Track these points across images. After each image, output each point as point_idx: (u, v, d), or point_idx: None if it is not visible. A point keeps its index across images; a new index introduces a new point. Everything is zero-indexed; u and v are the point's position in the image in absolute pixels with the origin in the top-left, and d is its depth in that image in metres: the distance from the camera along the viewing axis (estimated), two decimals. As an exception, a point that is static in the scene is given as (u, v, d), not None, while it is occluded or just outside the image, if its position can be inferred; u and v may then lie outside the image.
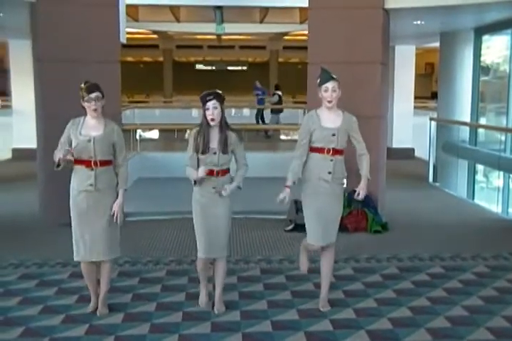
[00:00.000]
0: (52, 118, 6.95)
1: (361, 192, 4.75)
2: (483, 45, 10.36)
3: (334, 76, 4.57)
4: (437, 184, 10.78)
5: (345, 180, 4.79)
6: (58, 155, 4.26)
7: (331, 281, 4.89)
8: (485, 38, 10.30)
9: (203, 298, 4.77)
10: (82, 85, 4.43)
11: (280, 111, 17.64)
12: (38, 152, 7.79)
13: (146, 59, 24.07)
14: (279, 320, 4.54)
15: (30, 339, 4.20)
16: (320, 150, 4.56)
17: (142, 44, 20.36)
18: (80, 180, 4.44)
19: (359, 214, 7.19)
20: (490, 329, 4.37)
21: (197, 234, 4.62)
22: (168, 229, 7.19)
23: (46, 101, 7.33)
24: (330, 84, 4.52)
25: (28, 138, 10.00)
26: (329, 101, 4.54)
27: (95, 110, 4.41)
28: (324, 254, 4.78)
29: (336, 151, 4.57)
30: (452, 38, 10.99)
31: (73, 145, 4.40)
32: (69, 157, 4.29)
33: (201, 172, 4.39)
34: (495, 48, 10.45)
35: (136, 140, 13.14)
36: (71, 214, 4.50)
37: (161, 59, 23.51)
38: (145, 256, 6.16)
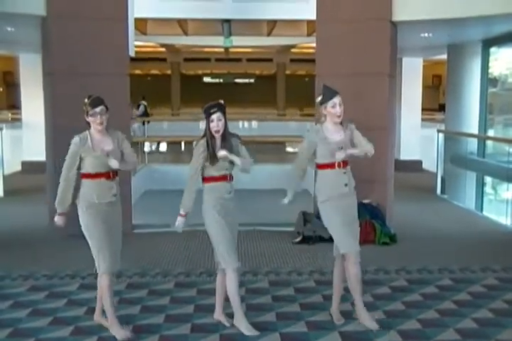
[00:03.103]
0: (62, 131, 7.01)
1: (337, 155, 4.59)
2: (491, 57, 10.39)
3: (337, 91, 4.58)
4: (445, 196, 10.76)
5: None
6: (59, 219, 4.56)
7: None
8: (492, 50, 10.33)
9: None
10: (86, 100, 4.39)
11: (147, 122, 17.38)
12: (47, 165, 7.85)
13: (154, 72, 24.23)
14: (288, 332, 4.53)
15: (40, 350, 4.24)
16: (331, 165, 4.55)
17: (150, 57, 20.49)
18: (101, 192, 4.40)
19: (367, 226, 7.18)
20: (500, 341, 4.38)
21: (219, 243, 4.48)
22: (177, 241, 7.20)
23: (55, 113, 7.40)
24: (337, 99, 4.52)
25: (37, 150, 10.07)
26: (338, 117, 4.54)
27: (101, 124, 4.39)
28: (350, 264, 4.60)
29: (345, 163, 4.59)
30: (460, 50, 11.03)
31: (89, 162, 4.38)
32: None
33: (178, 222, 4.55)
34: (503, 60, 10.48)
35: (144, 152, 13.22)
36: (94, 228, 4.40)
37: (168, 72, 23.67)
38: (154, 268, 6.17)
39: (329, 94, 4.56)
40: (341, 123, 4.63)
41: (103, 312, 4.64)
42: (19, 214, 9.01)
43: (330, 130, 4.59)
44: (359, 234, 4.69)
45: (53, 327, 4.61)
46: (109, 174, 4.44)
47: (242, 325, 4.52)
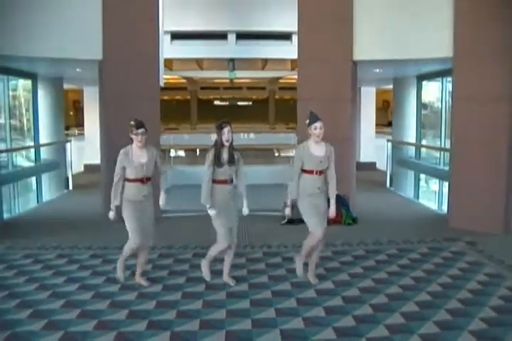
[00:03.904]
0: (111, 142, 7.05)
1: (331, 214, 4.71)
2: (423, 88, 10.43)
3: (319, 117, 4.61)
4: (392, 188, 10.78)
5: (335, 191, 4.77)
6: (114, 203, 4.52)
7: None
8: (424, 83, 10.36)
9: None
10: (132, 122, 4.46)
11: None
12: (102, 166, 7.87)
13: (178, 97, 24.08)
14: (277, 289, 4.58)
15: (98, 300, 4.29)
16: (311, 172, 4.59)
17: (175, 87, 20.40)
18: (135, 193, 4.50)
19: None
20: (430, 293, 4.46)
21: (217, 228, 4.58)
22: (195, 222, 7.20)
23: (107, 129, 7.42)
24: (318, 124, 4.56)
25: (95, 156, 10.07)
26: (318, 136, 4.58)
27: (141, 141, 4.47)
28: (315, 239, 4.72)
29: (321, 172, 4.62)
30: (401, 82, 11.05)
31: (129, 170, 4.47)
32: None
33: (212, 212, 4.52)
34: (431, 91, 10.56)
35: (170, 157, 13.20)
36: (129, 215, 4.50)
37: (188, 97, 23.54)
38: (178, 242, 6.19)
39: (313, 119, 4.59)
40: (325, 143, 4.65)
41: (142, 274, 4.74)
42: (83, 202, 9.04)
43: (312, 147, 4.61)
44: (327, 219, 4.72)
45: (107, 284, 4.69)
46: (143, 180, 4.51)
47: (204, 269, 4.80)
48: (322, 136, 4.59)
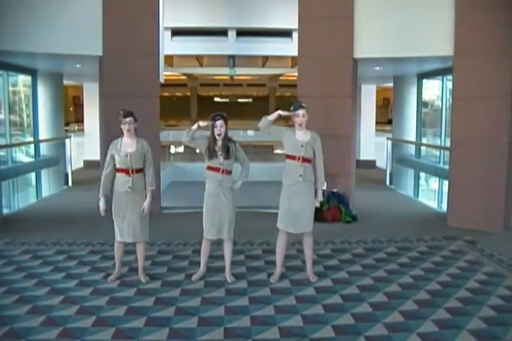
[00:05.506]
0: (111, 138, 6.98)
1: (318, 201, 4.71)
2: (423, 87, 10.39)
3: (303, 105, 4.60)
4: (392, 186, 10.76)
5: (323, 182, 4.72)
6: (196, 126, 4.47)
7: (313, 259, 4.91)
8: (424, 81, 10.33)
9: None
10: (121, 112, 4.51)
11: None
12: (101, 162, 7.82)
13: (178, 94, 24.03)
14: (276, 287, 4.58)
15: (97, 296, 4.27)
16: (293, 158, 4.57)
17: (175, 83, 20.35)
18: (121, 183, 4.51)
19: (335, 209, 7.20)
20: (427, 290, 4.45)
21: (205, 220, 4.60)
22: (194, 219, 7.08)
23: (107, 125, 7.39)
24: (300, 112, 4.56)
25: (94, 152, 10.06)
26: (300, 124, 4.58)
27: (128, 130, 4.49)
28: (304, 240, 4.79)
29: (305, 159, 4.56)
30: (402, 80, 11.02)
31: (116, 159, 4.50)
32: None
33: (201, 123, 4.47)
34: (431, 89, 10.53)
35: (170, 153, 13.18)
36: (113, 207, 4.54)
37: (188, 94, 23.50)
38: (177, 239, 6.18)
39: (296, 107, 4.60)
40: (310, 131, 4.65)
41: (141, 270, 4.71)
42: (82, 198, 9.01)
43: (297, 133, 4.63)
44: (308, 217, 4.68)
45: (106, 281, 4.66)
46: (128, 171, 4.49)
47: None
48: (305, 125, 4.59)
